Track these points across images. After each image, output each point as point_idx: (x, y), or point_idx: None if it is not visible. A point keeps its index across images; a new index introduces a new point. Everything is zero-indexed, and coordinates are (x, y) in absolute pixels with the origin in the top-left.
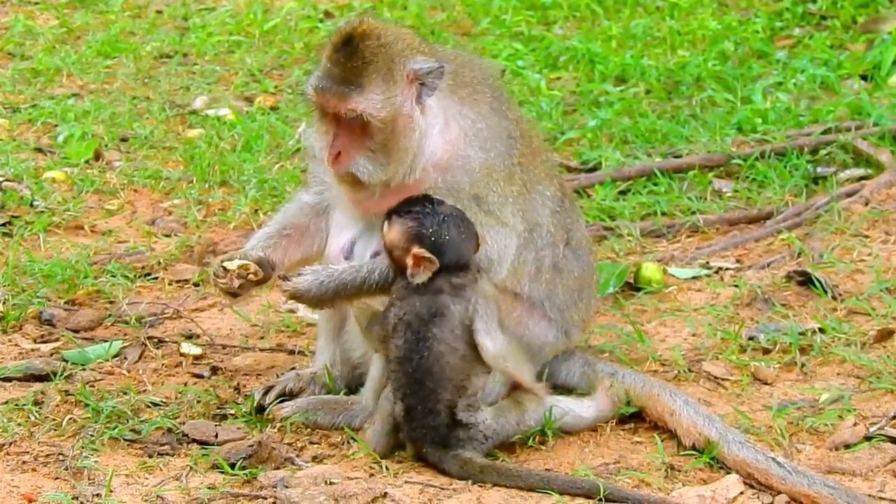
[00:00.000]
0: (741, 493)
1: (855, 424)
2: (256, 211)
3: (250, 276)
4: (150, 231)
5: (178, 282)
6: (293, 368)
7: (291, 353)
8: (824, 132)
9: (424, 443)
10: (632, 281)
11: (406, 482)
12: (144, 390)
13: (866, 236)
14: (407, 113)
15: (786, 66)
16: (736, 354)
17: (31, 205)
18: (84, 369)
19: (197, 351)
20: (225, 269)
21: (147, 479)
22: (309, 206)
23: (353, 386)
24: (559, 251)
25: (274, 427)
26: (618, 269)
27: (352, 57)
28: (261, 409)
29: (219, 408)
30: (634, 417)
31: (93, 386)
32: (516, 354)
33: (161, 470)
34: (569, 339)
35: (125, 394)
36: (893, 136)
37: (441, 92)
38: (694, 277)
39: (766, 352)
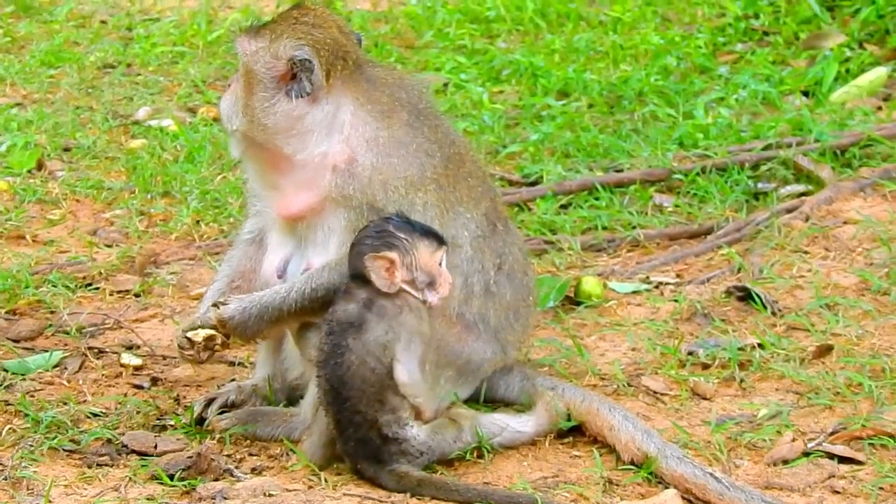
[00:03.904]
0: None
1: (793, 440)
2: (198, 222)
3: (216, 347)
4: (91, 241)
5: (119, 292)
6: (233, 380)
7: (231, 364)
8: (765, 148)
9: (358, 457)
10: (572, 295)
11: (345, 494)
12: (84, 401)
13: (806, 252)
14: (269, 85)
15: (728, 81)
16: (675, 369)
17: None
18: (24, 379)
19: (137, 362)
20: (190, 340)
21: (86, 489)
22: (249, 243)
23: (294, 398)
24: (490, 276)
25: (213, 438)
26: (558, 283)
27: (280, 15)
28: (201, 420)
29: (158, 419)
30: (573, 431)
31: (33, 396)
32: (429, 392)
33: (100, 480)
34: (506, 355)
35: (65, 404)
36: (834, 152)
37: (351, 102)
38: (634, 292)
39: (706, 367)
